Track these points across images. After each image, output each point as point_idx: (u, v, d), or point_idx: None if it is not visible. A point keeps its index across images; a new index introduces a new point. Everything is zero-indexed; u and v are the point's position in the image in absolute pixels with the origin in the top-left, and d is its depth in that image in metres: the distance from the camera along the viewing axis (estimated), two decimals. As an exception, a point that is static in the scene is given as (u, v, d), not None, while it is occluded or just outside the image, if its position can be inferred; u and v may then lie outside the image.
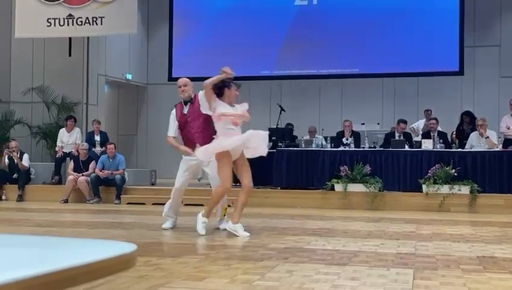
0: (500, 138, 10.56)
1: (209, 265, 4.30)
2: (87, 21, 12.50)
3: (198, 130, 6.38)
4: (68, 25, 12.62)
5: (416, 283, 3.72)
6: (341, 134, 11.22)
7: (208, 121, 6.22)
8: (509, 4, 13.64)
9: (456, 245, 5.51)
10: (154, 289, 3.48)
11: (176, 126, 6.61)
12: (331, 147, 10.68)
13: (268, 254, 4.80)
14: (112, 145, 11.23)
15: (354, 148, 10.62)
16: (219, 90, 6.02)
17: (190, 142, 6.47)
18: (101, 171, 10.90)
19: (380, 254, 4.89)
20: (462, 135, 11.04)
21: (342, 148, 10.69)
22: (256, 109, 14.72)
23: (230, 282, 3.70)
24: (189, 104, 6.49)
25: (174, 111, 6.63)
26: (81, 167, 11.20)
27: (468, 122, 11.10)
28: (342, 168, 9.93)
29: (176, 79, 14.09)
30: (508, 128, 10.65)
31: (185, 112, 6.52)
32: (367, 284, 3.69)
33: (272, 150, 11.39)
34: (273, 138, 11.60)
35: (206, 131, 6.27)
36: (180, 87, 6.51)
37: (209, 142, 6.05)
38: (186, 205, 10.22)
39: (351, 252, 4.95)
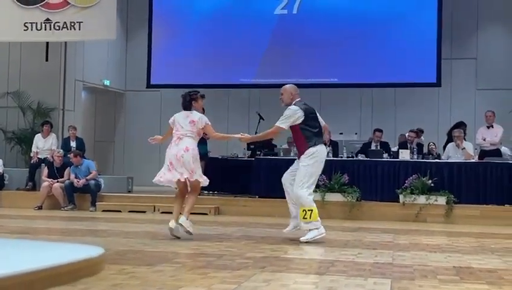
0: (476, 149, 10.66)
1: (185, 274, 4.24)
2: (64, 26, 12.36)
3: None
4: (45, 29, 12.45)
5: (394, 293, 3.70)
6: (319, 144, 11.22)
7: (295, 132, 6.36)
8: (485, 18, 13.82)
9: (433, 255, 5.52)
10: (129, 298, 3.41)
11: None
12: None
13: (245, 263, 4.75)
14: (72, 155, 11.02)
15: (332, 158, 10.62)
16: (189, 103, 6.55)
17: None
18: (76, 178, 10.76)
19: (357, 264, 4.87)
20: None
21: (320, 157, 10.67)
22: (235, 117, 14.73)
23: (207, 291, 3.64)
24: None
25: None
26: (56, 173, 11.04)
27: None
28: (319, 177, 9.90)
29: (155, 86, 14.24)
30: (484, 140, 10.76)
31: None
32: (344, 294, 3.66)
33: (250, 159, 11.39)
34: (252, 146, 11.60)
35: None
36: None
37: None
38: (163, 212, 10.15)
39: (328, 262, 4.92)
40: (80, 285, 3.70)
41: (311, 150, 6.22)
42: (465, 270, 4.64)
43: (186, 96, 6.60)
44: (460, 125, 11.25)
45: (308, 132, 6.27)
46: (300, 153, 6.30)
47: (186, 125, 6.45)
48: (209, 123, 6.56)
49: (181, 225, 6.33)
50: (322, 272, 4.41)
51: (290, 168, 6.48)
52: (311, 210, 6.17)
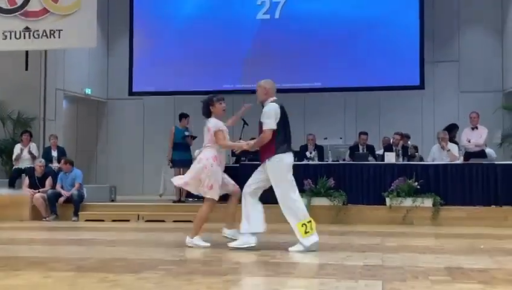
0: (461, 150, 10.65)
1: (171, 280, 4.11)
2: (44, 34, 12.16)
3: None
4: (25, 38, 12.25)
5: (386, 294, 3.60)
6: (304, 148, 11.15)
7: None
8: (466, 20, 13.87)
9: (423, 256, 5.44)
10: (112, 306, 3.28)
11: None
12: (294, 161, 10.57)
13: (232, 268, 4.63)
14: (63, 161, 10.89)
15: (317, 162, 10.56)
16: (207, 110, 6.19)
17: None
18: (61, 187, 10.61)
19: (347, 267, 4.77)
20: None
21: (305, 161, 10.62)
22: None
23: (193, 297, 3.52)
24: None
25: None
26: (37, 183, 10.83)
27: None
28: (305, 181, 9.82)
29: (137, 94, 14.08)
30: (469, 142, 10.74)
31: None
32: (336, 296, 3.56)
33: (235, 165, 11.26)
34: (236, 152, 11.47)
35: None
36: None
37: (262, 154, 5.98)
38: (147, 221, 10.00)
39: (317, 265, 4.83)
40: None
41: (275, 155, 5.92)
42: (457, 271, 4.56)
43: (203, 102, 6.27)
44: (454, 128, 11.21)
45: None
46: (263, 156, 5.96)
47: (205, 135, 6.19)
48: (222, 129, 6.13)
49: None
50: (312, 275, 4.31)
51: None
52: (303, 223, 5.92)
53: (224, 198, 6.31)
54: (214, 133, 6.10)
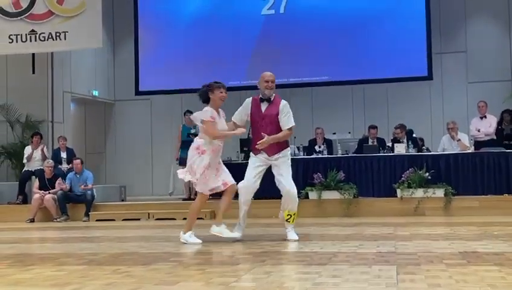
0: (471, 140, 10.56)
1: (183, 271, 4.08)
2: (50, 36, 12.20)
3: (268, 134, 5.80)
4: (31, 40, 12.28)
5: (401, 277, 3.55)
6: (313, 142, 11.11)
7: (278, 126, 5.88)
8: (473, 10, 13.76)
9: (436, 243, 5.39)
10: (124, 295, 3.25)
11: (243, 115, 6.02)
12: (303, 155, 10.55)
13: (244, 258, 4.60)
14: (78, 161, 10.92)
15: (327, 155, 10.51)
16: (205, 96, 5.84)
17: (254, 144, 5.91)
18: (70, 188, 10.64)
19: (360, 254, 4.72)
20: (501, 134, 10.67)
21: (314, 155, 10.57)
22: (227, 119, 14.56)
23: (206, 285, 3.49)
24: (267, 103, 5.96)
25: (250, 101, 6.00)
26: (47, 184, 10.84)
27: (509, 121, 10.75)
28: (315, 175, 9.78)
29: (143, 93, 14.08)
30: (478, 131, 10.65)
31: (263, 111, 5.95)
32: (350, 280, 3.52)
33: (244, 161, 11.23)
34: (245, 148, 11.43)
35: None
36: (268, 82, 5.89)
37: (277, 147, 5.85)
38: (157, 219, 9.99)
39: (330, 253, 4.78)
40: (70, 286, 3.55)
41: (288, 148, 5.99)
42: (472, 255, 4.50)
43: (202, 87, 5.86)
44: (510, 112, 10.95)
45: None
46: (275, 151, 5.88)
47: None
48: (209, 118, 5.68)
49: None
50: (324, 262, 4.26)
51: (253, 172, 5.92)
52: (295, 213, 5.97)
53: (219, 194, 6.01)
54: (202, 122, 5.76)
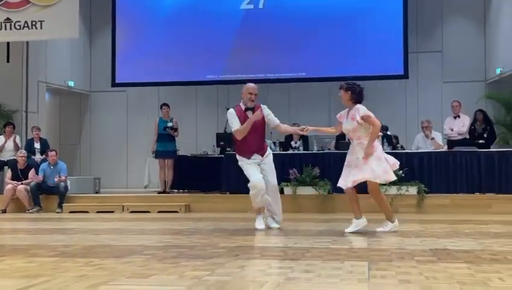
0: (445, 139, 10.70)
1: (156, 263, 4.08)
2: (25, 25, 12.03)
3: (258, 137, 6.58)
4: (6, 29, 12.11)
5: (373, 273, 3.60)
6: (289, 137, 11.14)
7: (264, 128, 6.67)
8: (449, 11, 13.91)
9: (408, 240, 5.46)
10: (95, 287, 3.23)
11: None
12: (279, 151, 10.58)
13: (218, 252, 4.61)
14: (53, 152, 10.80)
15: (303, 151, 10.56)
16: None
17: (247, 148, 6.54)
18: (43, 179, 10.51)
19: (332, 249, 4.77)
20: (474, 134, 10.78)
21: (290, 151, 10.61)
22: (203, 113, 14.55)
23: (178, 278, 3.49)
24: (251, 111, 6.60)
25: (233, 111, 6.62)
26: (19, 175, 10.71)
27: (482, 121, 10.84)
28: (291, 171, 9.82)
29: (120, 85, 13.96)
30: (452, 130, 10.80)
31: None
32: (322, 275, 3.55)
33: (220, 155, 11.23)
34: (221, 143, 11.44)
35: (262, 139, 6.69)
36: (251, 94, 6.57)
37: (265, 147, 6.70)
38: (132, 212, 9.95)
39: (303, 249, 4.81)
40: (41, 277, 3.52)
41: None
42: (442, 252, 4.57)
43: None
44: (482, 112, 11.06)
45: None
46: (264, 151, 6.65)
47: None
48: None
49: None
50: (298, 257, 4.29)
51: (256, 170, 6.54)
52: None
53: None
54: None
